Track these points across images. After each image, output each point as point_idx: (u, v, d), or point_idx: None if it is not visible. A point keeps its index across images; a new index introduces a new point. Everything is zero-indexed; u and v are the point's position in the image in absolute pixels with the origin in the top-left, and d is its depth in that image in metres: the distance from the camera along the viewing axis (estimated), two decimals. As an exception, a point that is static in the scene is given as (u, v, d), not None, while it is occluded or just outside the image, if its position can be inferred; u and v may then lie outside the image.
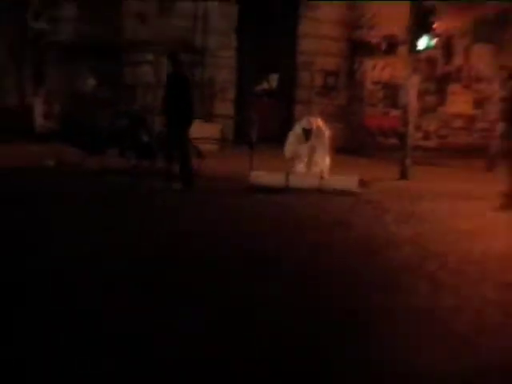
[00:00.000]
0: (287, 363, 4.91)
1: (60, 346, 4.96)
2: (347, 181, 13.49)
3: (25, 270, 7.05)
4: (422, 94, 19.08)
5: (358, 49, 19.65)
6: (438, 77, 20.12)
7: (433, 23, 15.67)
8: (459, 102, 19.77)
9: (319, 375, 4.78)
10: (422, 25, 15.58)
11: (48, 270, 7.06)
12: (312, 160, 13.93)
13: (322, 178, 13.46)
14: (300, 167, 14.02)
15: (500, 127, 14.88)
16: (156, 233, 9.33)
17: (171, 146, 13.46)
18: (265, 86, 17.26)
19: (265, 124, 16.44)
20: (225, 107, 19.58)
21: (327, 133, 14.19)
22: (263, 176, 13.53)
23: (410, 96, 16.52)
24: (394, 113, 18.75)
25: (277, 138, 16.22)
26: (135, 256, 7.79)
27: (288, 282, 7.27)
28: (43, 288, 6.44)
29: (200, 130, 18.05)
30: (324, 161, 13.90)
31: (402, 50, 17.52)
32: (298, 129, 14.40)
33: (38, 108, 21.22)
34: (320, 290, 7.07)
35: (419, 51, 16.04)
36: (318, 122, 14.44)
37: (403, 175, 15.40)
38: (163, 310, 5.88)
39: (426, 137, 19.70)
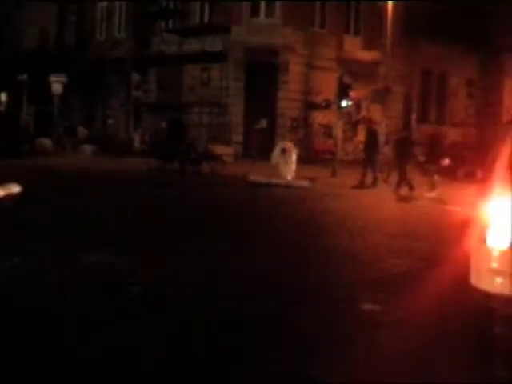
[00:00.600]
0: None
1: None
2: (302, 180, 13.37)
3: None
4: (344, 131, 19.22)
5: (310, 106, 19.69)
6: (353, 121, 20.10)
7: (349, 92, 15.35)
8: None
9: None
10: (343, 93, 15.31)
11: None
12: (288, 166, 13.63)
13: (289, 178, 13.30)
14: (282, 172, 13.74)
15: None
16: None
17: (170, 158, 13.79)
18: (258, 125, 17.22)
19: (259, 147, 16.43)
20: (237, 137, 19.53)
21: (295, 151, 14.07)
22: (256, 176, 13.38)
23: (338, 132, 16.61)
24: (330, 141, 18.63)
25: (266, 155, 16.11)
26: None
27: (258, 233, 7.22)
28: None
29: (223, 150, 17.89)
30: (293, 166, 13.70)
31: (334, 107, 17.18)
32: (277, 148, 14.29)
33: (137, 137, 21.26)
34: (278, 234, 7.10)
35: (342, 108, 15.80)
36: (289, 144, 14.42)
37: (334, 175, 14.93)
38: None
39: (347, 154, 19.62)
